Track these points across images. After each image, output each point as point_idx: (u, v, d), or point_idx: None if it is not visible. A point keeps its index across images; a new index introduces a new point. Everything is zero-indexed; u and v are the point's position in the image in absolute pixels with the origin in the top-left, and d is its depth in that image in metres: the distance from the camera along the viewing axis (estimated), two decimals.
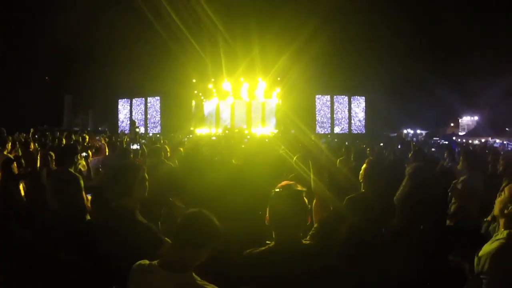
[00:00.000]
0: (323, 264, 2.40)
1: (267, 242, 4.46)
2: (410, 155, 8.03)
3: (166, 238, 2.96)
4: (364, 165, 4.09)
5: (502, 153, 10.39)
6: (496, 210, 2.70)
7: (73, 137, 11.37)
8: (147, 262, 2.38)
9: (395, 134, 27.76)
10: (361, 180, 4.08)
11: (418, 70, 26.94)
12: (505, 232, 2.53)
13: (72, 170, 4.95)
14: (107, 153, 8.34)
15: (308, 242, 2.56)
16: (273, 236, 2.54)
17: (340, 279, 2.51)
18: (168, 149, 7.59)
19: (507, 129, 25.92)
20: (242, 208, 4.50)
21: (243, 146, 9.93)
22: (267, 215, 2.54)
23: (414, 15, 25.05)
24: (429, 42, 26.68)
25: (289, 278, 2.34)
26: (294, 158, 6.31)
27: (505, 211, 2.58)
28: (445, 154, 8.80)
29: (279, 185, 2.61)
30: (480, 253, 2.57)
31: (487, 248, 2.55)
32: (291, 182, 2.61)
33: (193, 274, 2.29)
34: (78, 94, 29.23)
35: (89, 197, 4.80)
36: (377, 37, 25.84)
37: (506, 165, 6.35)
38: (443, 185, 5.68)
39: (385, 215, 3.59)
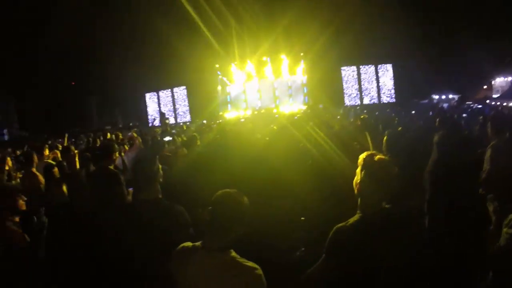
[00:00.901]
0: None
1: (302, 218, 4.56)
2: (437, 123, 7.82)
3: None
4: (385, 137, 4.06)
5: None
6: None
7: (108, 135, 11.70)
8: (190, 244, 2.52)
9: (426, 101, 27.12)
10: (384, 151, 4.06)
11: (446, 32, 26.07)
12: None
13: (111, 167, 5.13)
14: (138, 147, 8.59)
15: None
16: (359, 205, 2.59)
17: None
18: (198, 137, 7.73)
19: None
20: (271, 187, 4.61)
21: (272, 126, 9.99)
22: (357, 183, 2.60)
23: None
24: (456, 2, 25.65)
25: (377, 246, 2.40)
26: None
27: None
28: (480, 120, 8.52)
29: (363, 154, 2.67)
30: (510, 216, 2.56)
31: None
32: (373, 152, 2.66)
33: (233, 252, 2.41)
34: (104, 93, 29.75)
35: (131, 190, 4.98)
36: (401, 2, 25.05)
37: None
38: (473, 152, 5.57)
39: (407, 188, 3.56)
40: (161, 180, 3.35)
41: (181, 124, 26.75)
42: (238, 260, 2.38)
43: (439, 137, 3.84)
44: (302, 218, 5.02)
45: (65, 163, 6.19)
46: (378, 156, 2.59)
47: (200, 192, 3.51)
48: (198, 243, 2.48)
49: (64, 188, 5.33)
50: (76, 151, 7.55)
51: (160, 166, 3.41)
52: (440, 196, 3.67)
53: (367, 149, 4.42)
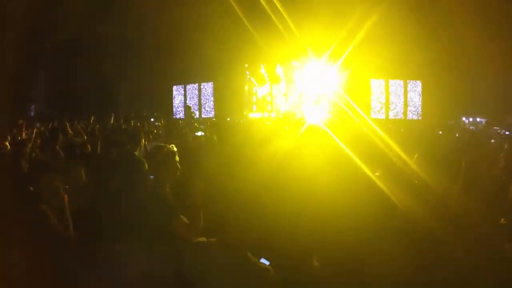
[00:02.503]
0: None
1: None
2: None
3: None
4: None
5: None
6: None
7: (132, 123, 11.79)
8: (205, 239, 2.48)
9: (453, 122, 26.62)
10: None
11: (478, 52, 25.54)
12: None
13: (136, 153, 5.13)
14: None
15: None
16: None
17: None
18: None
19: None
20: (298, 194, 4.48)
21: (296, 131, 9.90)
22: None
23: None
24: (489, 27, 25.12)
25: None
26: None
27: None
28: (506, 146, 8.23)
29: None
30: None
31: None
32: None
33: (247, 252, 2.36)
34: (133, 82, 30.10)
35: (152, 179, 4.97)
36: (434, 18, 24.69)
37: None
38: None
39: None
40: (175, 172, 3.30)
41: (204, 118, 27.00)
42: (252, 260, 2.37)
43: (467, 163, 3.71)
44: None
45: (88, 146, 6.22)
46: None
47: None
48: (213, 239, 2.44)
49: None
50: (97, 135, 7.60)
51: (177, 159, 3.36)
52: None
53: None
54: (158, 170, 3.30)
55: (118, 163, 4.70)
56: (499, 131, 24.13)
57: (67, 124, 8.66)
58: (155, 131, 10.17)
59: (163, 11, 22.98)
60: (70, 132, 8.24)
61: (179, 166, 3.44)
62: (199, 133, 5.97)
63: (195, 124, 10.76)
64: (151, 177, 4.84)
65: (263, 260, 3.24)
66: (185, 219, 3.18)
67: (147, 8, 23.15)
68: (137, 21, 23.56)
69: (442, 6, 23.87)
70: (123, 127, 10.40)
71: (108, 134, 7.93)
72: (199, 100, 32.30)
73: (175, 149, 3.59)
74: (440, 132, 15.15)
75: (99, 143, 6.29)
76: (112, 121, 12.16)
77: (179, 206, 3.27)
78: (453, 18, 24.31)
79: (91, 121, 13.83)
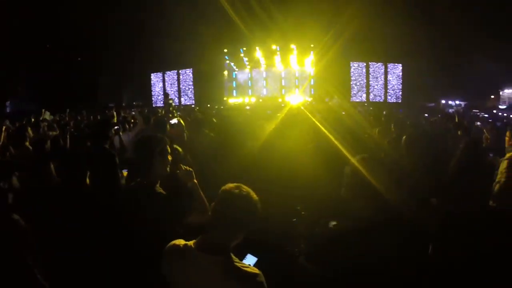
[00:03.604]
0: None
1: (297, 208, 4.39)
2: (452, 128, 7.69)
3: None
4: (404, 138, 3.86)
5: None
6: None
7: (107, 112, 11.48)
8: (182, 242, 2.25)
9: (433, 104, 26.86)
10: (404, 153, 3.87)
11: (458, 38, 25.69)
12: None
13: (107, 146, 4.90)
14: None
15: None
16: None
17: None
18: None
19: None
20: (276, 176, 4.42)
21: (278, 114, 9.81)
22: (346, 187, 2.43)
23: None
24: (471, 9, 25.26)
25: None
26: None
27: None
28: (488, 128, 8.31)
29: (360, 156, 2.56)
30: None
31: None
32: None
33: (232, 255, 2.16)
34: (110, 71, 29.54)
35: (125, 173, 4.74)
36: (416, 2, 24.74)
37: None
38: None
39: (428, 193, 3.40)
40: (167, 163, 3.09)
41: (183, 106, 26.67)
42: (238, 265, 2.12)
43: (467, 143, 3.68)
44: (298, 208, 4.82)
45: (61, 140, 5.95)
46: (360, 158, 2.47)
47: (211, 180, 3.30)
48: (191, 242, 2.22)
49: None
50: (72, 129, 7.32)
51: (169, 149, 3.15)
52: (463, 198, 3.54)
53: (380, 145, 4.24)
54: (150, 161, 3.04)
55: (90, 158, 4.47)
56: (478, 114, 24.58)
57: (36, 119, 8.35)
58: (133, 121, 9.91)
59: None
60: (43, 127, 7.95)
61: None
62: (174, 121, 5.76)
63: (174, 111, 10.51)
64: (124, 170, 4.65)
65: (249, 257, 3.07)
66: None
67: None
68: (113, 8, 22.99)
69: None
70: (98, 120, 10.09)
71: (82, 128, 7.64)
72: (178, 87, 31.89)
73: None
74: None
75: (67, 136, 6.03)
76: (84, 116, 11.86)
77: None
78: (433, 2, 24.42)
79: (67, 115, 13.49)
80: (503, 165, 4.74)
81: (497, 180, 4.67)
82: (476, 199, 3.81)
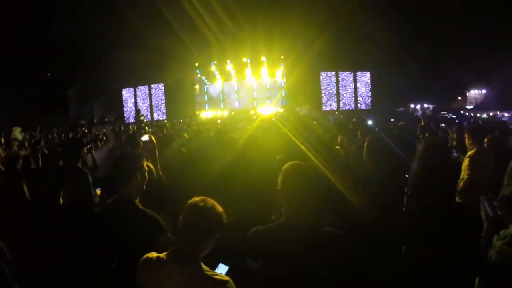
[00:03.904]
0: (332, 242, 2.39)
1: (272, 218, 4.51)
2: (418, 131, 7.97)
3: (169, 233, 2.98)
4: (365, 144, 4.03)
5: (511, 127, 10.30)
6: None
7: (78, 130, 11.41)
8: (155, 254, 2.35)
9: (402, 109, 27.54)
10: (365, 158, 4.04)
11: (424, 43, 26.54)
12: None
13: (79, 164, 4.91)
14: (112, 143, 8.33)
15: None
16: (282, 212, 2.52)
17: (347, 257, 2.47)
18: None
19: None
20: (249, 189, 4.54)
21: (249, 127, 9.95)
22: (279, 190, 2.52)
23: None
24: (435, 15, 26.12)
25: (296, 254, 2.31)
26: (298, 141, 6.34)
27: None
28: (454, 129, 8.67)
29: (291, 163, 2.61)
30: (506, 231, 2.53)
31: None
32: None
33: (202, 264, 2.27)
34: (82, 85, 29.20)
35: (98, 191, 4.75)
36: (381, 10, 25.40)
37: None
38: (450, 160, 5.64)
39: (391, 193, 3.57)
40: (144, 181, 3.15)
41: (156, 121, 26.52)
42: (208, 273, 2.23)
43: (427, 143, 3.89)
44: (273, 218, 4.93)
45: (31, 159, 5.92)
46: (296, 163, 2.57)
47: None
48: (163, 254, 2.32)
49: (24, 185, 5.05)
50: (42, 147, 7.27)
51: (145, 165, 3.21)
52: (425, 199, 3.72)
53: (348, 153, 4.42)
54: (131, 176, 3.08)
55: (63, 177, 4.47)
56: (446, 115, 25.38)
57: (7, 138, 8.26)
58: (104, 138, 9.87)
59: (110, 11, 22.32)
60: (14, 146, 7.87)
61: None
62: (145, 138, 5.76)
63: (145, 128, 10.50)
64: (98, 189, 4.67)
65: (221, 266, 3.16)
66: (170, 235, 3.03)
67: (94, 8, 22.45)
68: (83, 22, 22.77)
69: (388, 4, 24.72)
70: (68, 138, 10.00)
71: (53, 147, 7.59)
72: (150, 102, 31.72)
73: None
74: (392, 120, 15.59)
75: (39, 156, 6.00)
76: (55, 134, 11.74)
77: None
78: (398, 11, 25.19)
79: (37, 132, 13.28)
80: (465, 162, 5.01)
81: (461, 177, 4.94)
82: (442, 197, 3.99)
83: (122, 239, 2.81)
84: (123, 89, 32.32)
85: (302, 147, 5.41)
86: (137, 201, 3.06)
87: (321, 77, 30.93)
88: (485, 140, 5.90)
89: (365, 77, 31.63)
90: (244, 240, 2.53)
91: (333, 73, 31.13)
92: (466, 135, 5.63)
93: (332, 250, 2.35)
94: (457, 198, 4.85)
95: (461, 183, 4.90)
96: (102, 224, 3.03)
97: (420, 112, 25.13)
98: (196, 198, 2.32)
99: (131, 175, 3.04)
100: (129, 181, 3.03)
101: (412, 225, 3.81)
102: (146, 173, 3.17)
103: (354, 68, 31.12)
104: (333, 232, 2.42)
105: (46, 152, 6.33)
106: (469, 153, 5.16)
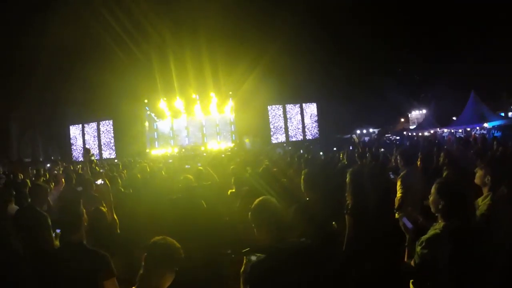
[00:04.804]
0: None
1: (228, 252, 4.77)
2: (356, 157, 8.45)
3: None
4: (302, 177, 4.36)
5: (445, 147, 11.24)
6: (433, 209, 3.11)
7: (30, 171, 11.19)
8: None
9: (349, 136, 28.70)
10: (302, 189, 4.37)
11: (365, 73, 28.29)
12: (442, 224, 2.96)
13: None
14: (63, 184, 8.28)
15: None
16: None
17: None
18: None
19: (453, 118, 27.38)
20: (202, 226, 4.81)
21: (198, 164, 10.20)
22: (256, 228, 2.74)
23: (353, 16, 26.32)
24: (372, 47, 27.91)
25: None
26: (248, 171, 6.71)
27: (439, 207, 2.99)
28: (394, 151, 9.37)
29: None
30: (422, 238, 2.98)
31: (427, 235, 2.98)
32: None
33: None
34: (24, 121, 28.05)
35: (58, 233, 4.80)
36: (322, 47, 26.77)
37: (444, 158, 7.05)
38: (386, 180, 6.22)
39: (330, 220, 3.92)
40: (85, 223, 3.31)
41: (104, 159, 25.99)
42: None
43: (353, 169, 4.39)
44: (229, 252, 5.26)
45: None
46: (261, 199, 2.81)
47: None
48: None
49: None
50: None
51: (84, 210, 3.36)
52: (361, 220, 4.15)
53: (297, 185, 4.76)
54: (79, 220, 3.27)
55: (20, 220, 4.49)
56: (391, 137, 26.84)
57: None
58: (55, 179, 9.77)
59: (54, 41, 21.80)
60: None
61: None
62: (100, 181, 5.79)
63: (96, 168, 10.46)
64: (58, 231, 4.74)
65: None
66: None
67: (37, 38, 21.95)
68: (27, 54, 22.21)
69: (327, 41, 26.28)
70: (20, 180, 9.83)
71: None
72: (99, 139, 31.11)
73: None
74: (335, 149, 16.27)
75: None
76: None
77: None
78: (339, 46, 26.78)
79: None
80: (398, 182, 5.63)
81: (397, 195, 5.51)
82: (381, 216, 4.41)
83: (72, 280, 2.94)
84: (71, 126, 31.35)
85: (253, 181, 5.76)
86: (84, 242, 3.22)
87: (269, 110, 31.72)
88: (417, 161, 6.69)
89: (310, 109, 32.73)
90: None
91: (280, 106, 32.03)
92: (398, 158, 6.28)
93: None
94: (396, 214, 5.39)
95: (395, 201, 5.47)
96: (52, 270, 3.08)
97: (362, 139, 26.29)
98: (157, 238, 2.66)
99: (79, 221, 3.23)
100: (79, 226, 3.22)
101: (350, 244, 4.22)
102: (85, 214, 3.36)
103: (301, 100, 32.32)
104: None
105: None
106: (401, 174, 5.77)
